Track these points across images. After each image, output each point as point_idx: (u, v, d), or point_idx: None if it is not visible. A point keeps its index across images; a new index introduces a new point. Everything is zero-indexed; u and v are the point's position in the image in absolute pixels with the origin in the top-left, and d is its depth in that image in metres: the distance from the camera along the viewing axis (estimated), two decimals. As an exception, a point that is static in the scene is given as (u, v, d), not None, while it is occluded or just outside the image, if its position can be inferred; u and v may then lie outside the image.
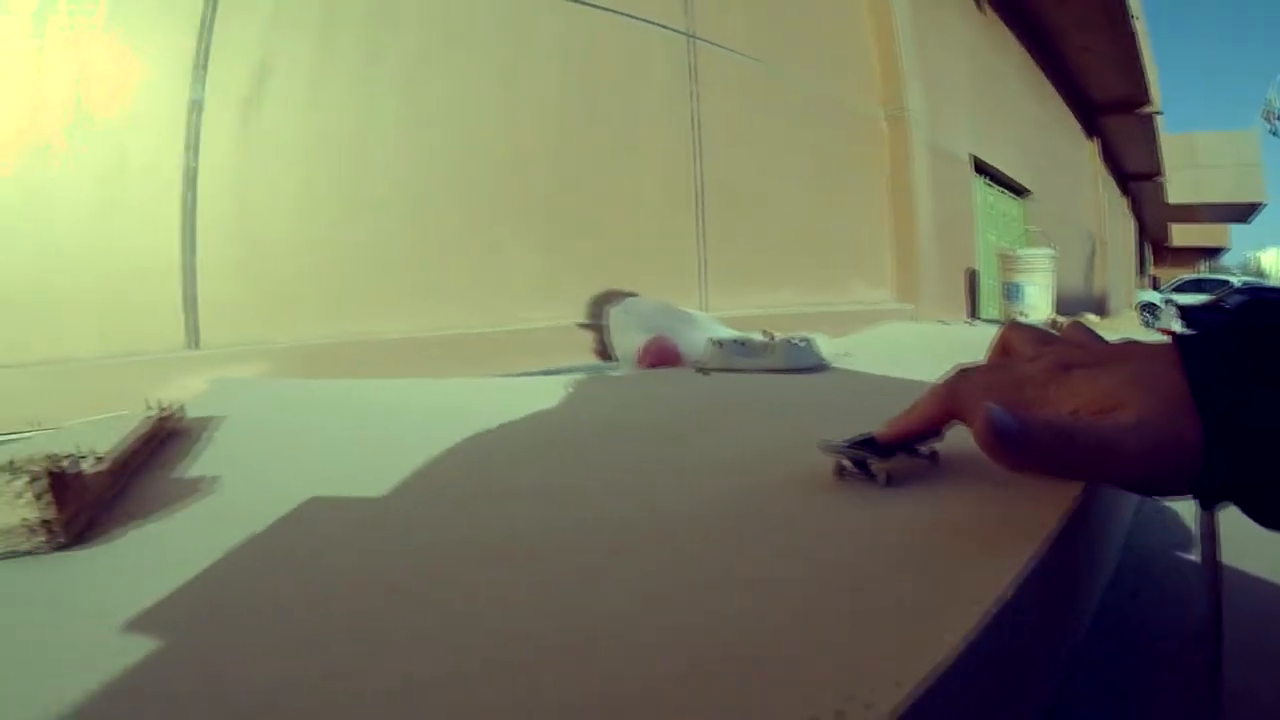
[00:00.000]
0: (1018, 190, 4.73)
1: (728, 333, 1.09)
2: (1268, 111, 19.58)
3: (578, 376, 1.06)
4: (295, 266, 1.10)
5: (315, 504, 0.35)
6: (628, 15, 1.58)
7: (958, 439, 0.31)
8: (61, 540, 0.30)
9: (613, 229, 1.50)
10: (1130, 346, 0.29)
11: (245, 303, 1.06)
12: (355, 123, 1.17)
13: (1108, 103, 7.82)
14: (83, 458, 0.35)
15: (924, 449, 0.33)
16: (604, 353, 1.17)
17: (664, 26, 1.67)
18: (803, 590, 0.21)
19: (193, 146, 1.02)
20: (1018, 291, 3.53)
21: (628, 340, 1.12)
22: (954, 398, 0.30)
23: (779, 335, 0.96)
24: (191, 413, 0.59)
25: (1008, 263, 3.46)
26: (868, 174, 2.51)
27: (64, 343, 0.92)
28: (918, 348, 1.24)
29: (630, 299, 1.20)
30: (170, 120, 1.01)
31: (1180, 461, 0.24)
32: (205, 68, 1.03)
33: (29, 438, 0.81)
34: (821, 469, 0.33)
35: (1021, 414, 0.25)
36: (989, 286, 3.77)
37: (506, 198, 1.32)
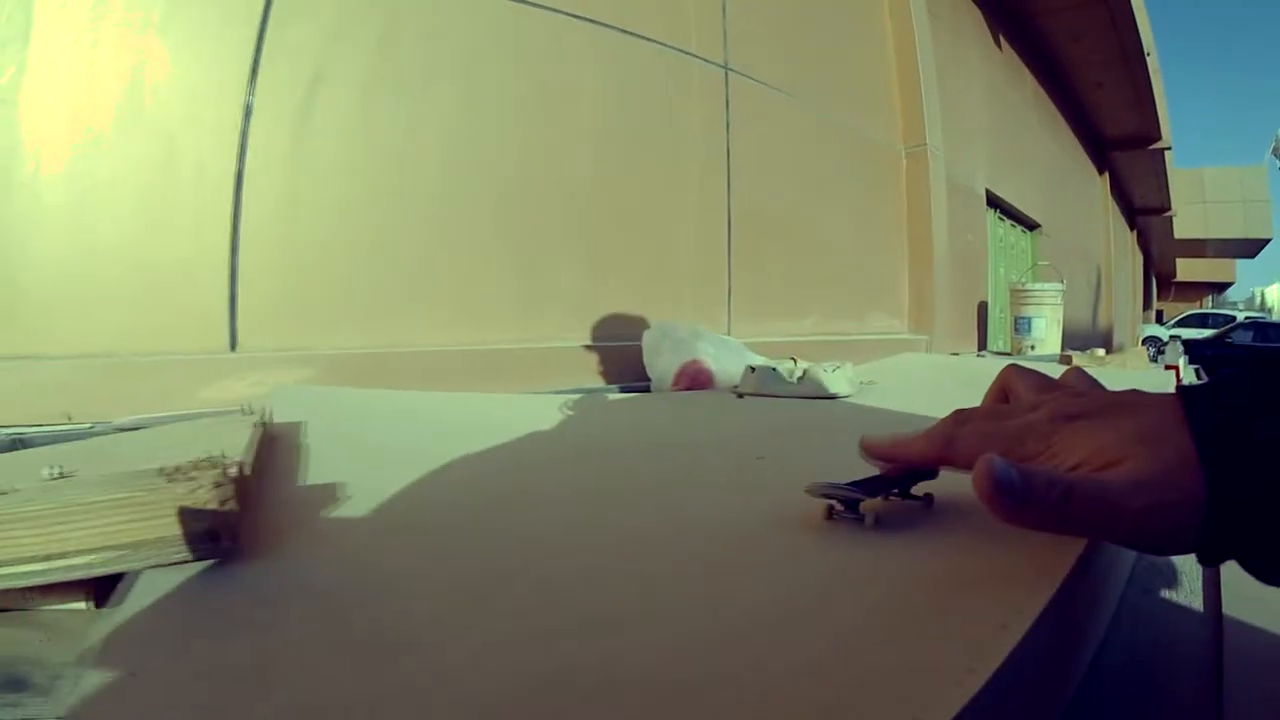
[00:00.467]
0: (1029, 224, 4.80)
1: (758, 359, 1.14)
2: (1277, 148, 19.73)
3: (618, 396, 1.12)
4: (335, 275, 1.15)
5: (451, 508, 0.40)
6: (670, 47, 1.65)
7: (953, 484, 0.31)
8: (229, 546, 0.29)
9: (650, 254, 1.56)
10: (1134, 396, 0.28)
11: (284, 308, 1.10)
12: (403, 139, 1.22)
13: (1119, 138, 7.92)
14: (227, 463, 0.33)
15: (919, 492, 0.33)
16: (640, 374, 1.23)
17: (703, 59, 1.74)
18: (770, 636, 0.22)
19: (242, 150, 1.06)
20: (1027, 325, 3.58)
21: (663, 362, 1.17)
22: (950, 445, 0.30)
23: (806, 363, 1.01)
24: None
25: (1018, 296, 3.51)
26: (887, 207, 2.58)
27: (102, 337, 0.95)
28: (936, 378, 1.30)
29: (665, 323, 1.26)
30: (222, 123, 1.04)
31: (1181, 521, 0.24)
32: (257, 73, 1.08)
33: (66, 430, 0.86)
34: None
35: (1022, 466, 0.25)
36: (998, 319, 3.83)
37: (549, 220, 1.38)
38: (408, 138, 1.22)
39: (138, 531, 0.26)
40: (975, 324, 3.51)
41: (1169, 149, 8.48)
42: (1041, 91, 5.52)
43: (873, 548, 0.29)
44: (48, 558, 0.24)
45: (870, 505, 0.31)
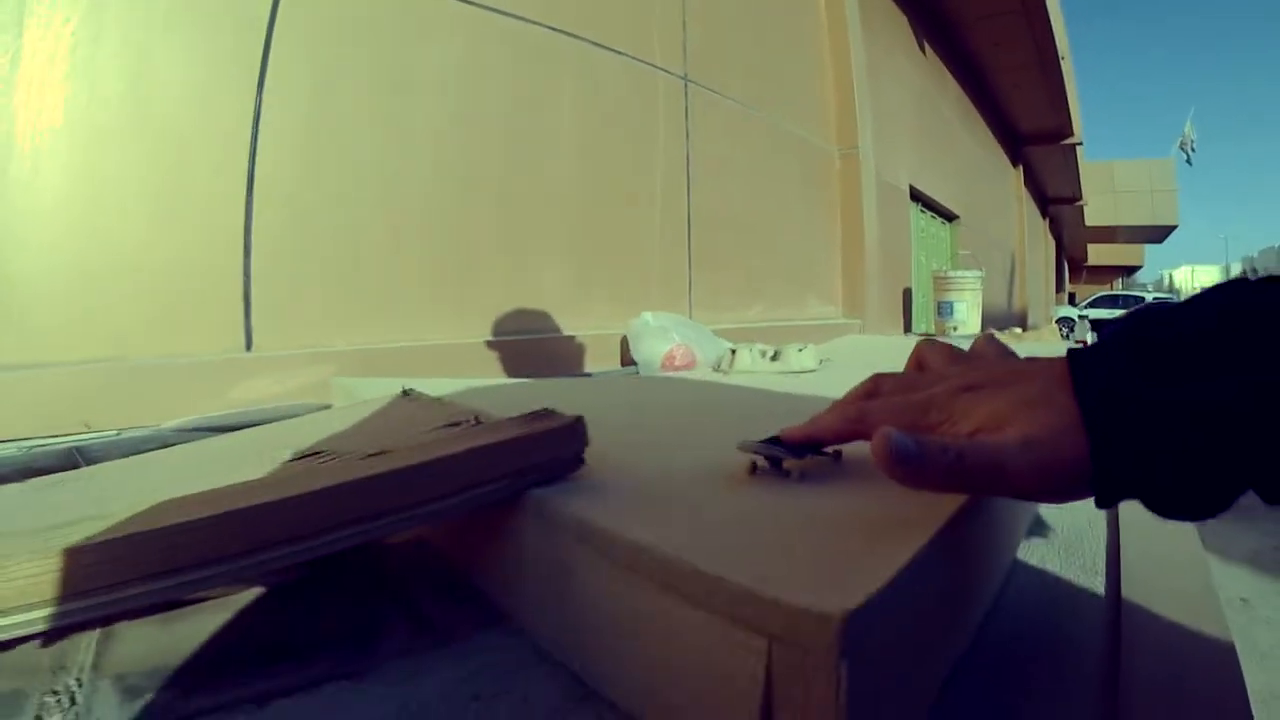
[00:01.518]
0: (948, 215, 5.23)
1: (724, 343, 1.40)
2: (1183, 142, 21.24)
3: (625, 376, 1.34)
4: (344, 274, 1.22)
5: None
6: (637, 59, 1.88)
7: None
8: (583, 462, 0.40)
9: (622, 253, 1.80)
10: (1029, 365, 0.30)
11: (297, 308, 1.16)
12: (399, 145, 1.33)
13: (1034, 134, 8.56)
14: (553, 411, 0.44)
15: (829, 449, 0.36)
16: (624, 359, 1.46)
17: (666, 71, 1.98)
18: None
19: (252, 153, 1.11)
20: (949, 309, 3.98)
21: (650, 348, 1.42)
22: (861, 419, 0.32)
23: (776, 345, 1.28)
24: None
25: (940, 283, 3.90)
26: (822, 203, 2.88)
27: (114, 342, 0.96)
28: (877, 354, 1.57)
29: (647, 314, 1.50)
30: (232, 124, 1.08)
31: (1067, 474, 0.26)
32: (265, 76, 1.12)
33: (120, 439, 0.87)
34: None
35: (919, 436, 0.27)
36: (921, 304, 4.22)
37: (535, 223, 1.59)
38: (404, 144, 1.34)
39: (534, 457, 0.38)
40: (901, 308, 3.88)
41: (1080, 144, 9.19)
42: (963, 94, 5.96)
43: (794, 494, 0.36)
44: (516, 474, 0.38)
45: (794, 464, 0.36)
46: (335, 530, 0.32)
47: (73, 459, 0.77)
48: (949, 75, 5.46)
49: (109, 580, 0.32)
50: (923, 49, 4.76)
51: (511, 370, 1.44)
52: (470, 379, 0.94)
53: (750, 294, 2.30)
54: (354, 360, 1.19)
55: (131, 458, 0.62)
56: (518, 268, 1.55)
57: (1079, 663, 0.36)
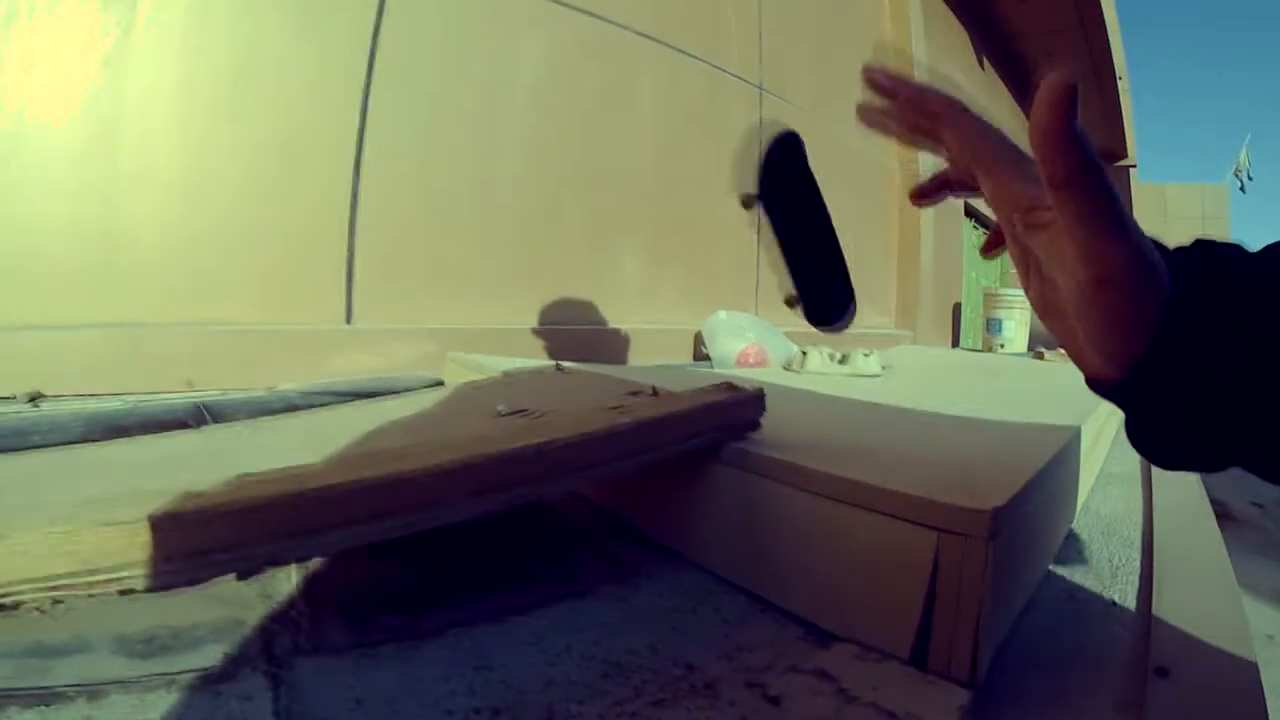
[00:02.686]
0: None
1: (794, 345, 1.45)
2: (1237, 169, 20.71)
3: (701, 370, 1.40)
4: (437, 257, 1.29)
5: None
6: (715, 66, 1.94)
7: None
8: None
9: (695, 251, 1.86)
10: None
11: (396, 286, 1.22)
12: (493, 140, 1.40)
13: (1087, 154, 8.39)
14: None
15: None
16: (697, 354, 1.52)
17: (741, 79, 2.04)
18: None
19: (360, 135, 1.17)
20: (998, 326, 3.97)
21: (725, 345, 1.48)
22: (958, 114, 0.33)
23: (844, 350, 1.33)
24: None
25: (990, 300, 3.89)
26: (880, 215, 2.91)
27: (223, 307, 1.02)
28: (936, 364, 1.62)
29: (724, 311, 1.56)
30: (341, 107, 1.15)
31: (1123, 316, 0.26)
32: (373, 60, 1.18)
33: (251, 398, 0.91)
34: None
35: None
36: (969, 319, 4.21)
37: (617, 217, 1.66)
38: (497, 136, 1.42)
39: (730, 417, 0.51)
40: (950, 323, 3.88)
41: (1134, 166, 9.01)
42: (1018, 109, 5.92)
43: (930, 433, 0.56)
44: (718, 429, 0.49)
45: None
46: (584, 470, 0.39)
47: (196, 415, 0.82)
48: (1004, 89, 5.43)
49: (372, 511, 0.38)
50: (981, 64, 4.75)
51: (589, 357, 1.50)
52: (569, 363, 1.01)
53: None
54: (445, 339, 1.26)
55: (312, 412, 0.70)
56: (598, 259, 1.62)
57: (1107, 671, 0.40)
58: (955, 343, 3.91)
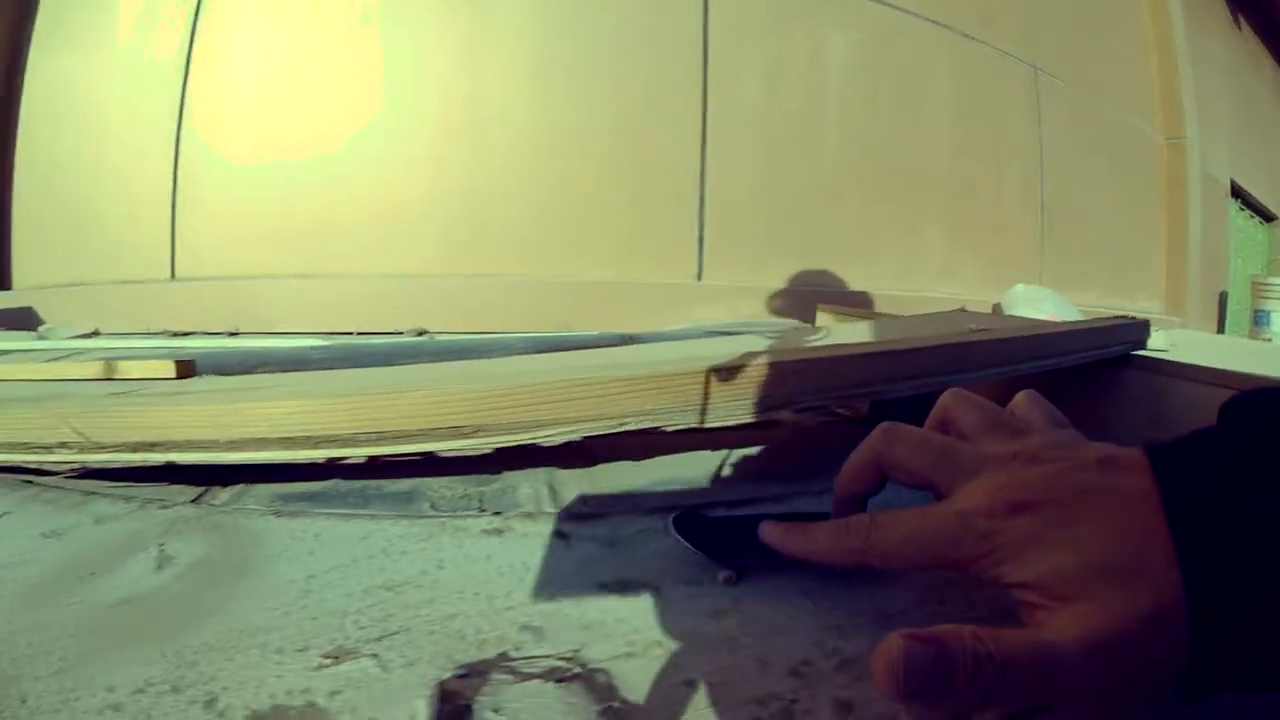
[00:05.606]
0: (1267, 216, 4.58)
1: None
2: None
3: None
4: (773, 223, 1.43)
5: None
6: (995, 48, 1.94)
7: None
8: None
9: (985, 229, 1.88)
10: (1100, 474, 0.22)
11: (737, 248, 1.36)
12: (814, 121, 1.52)
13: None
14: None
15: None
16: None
17: (1018, 59, 2.03)
18: None
19: (704, 106, 1.32)
20: (1266, 318, 3.51)
21: (1024, 315, 1.48)
22: (868, 545, 0.24)
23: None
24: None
25: (1259, 289, 3.45)
26: (1146, 193, 2.71)
27: (586, 266, 1.18)
28: (1211, 350, 1.52)
29: (1022, 285, 1.57)
30: (686, 88, 1.33)
31: (1148, 684, 0.19)
32: (708, 47, 1.34)
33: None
34: None
35: (943, 639, 0.19)
36: (1234, 311, 3.76)
37: (918, 197, 1.73)
38: (818, 118, 1.54)
39: (1132, 335, 0.64)
40: (1216, 313, 3.50)
41: None
42: (1279, 71, 5.19)
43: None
44: (1124, 343, 0.62)
45: (727, 575, 0.31)
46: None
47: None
48: (1265, 53, 4.79)
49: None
50: (1237, 23, 4.23)
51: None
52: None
53: (1086, 280, 2.26)
54: (781, 297, 1.39)
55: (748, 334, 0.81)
56: (903, 235, 1.70)
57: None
58: (1220, 333, 3.51)
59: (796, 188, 1.49)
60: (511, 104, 1.23)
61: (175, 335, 1.20)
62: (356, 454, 0.48)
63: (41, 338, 1.21)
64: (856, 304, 1.51)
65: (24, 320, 1.31)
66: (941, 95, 1.79)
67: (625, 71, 1.28)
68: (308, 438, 0.47)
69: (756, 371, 0.47)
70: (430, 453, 0.46)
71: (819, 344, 0.60)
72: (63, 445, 0.50)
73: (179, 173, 1.28)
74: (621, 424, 0.45)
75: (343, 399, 0.48)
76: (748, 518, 0.32)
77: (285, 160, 1.21)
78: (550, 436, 0.45)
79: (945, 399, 0.28)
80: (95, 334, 1.22)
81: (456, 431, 0.46)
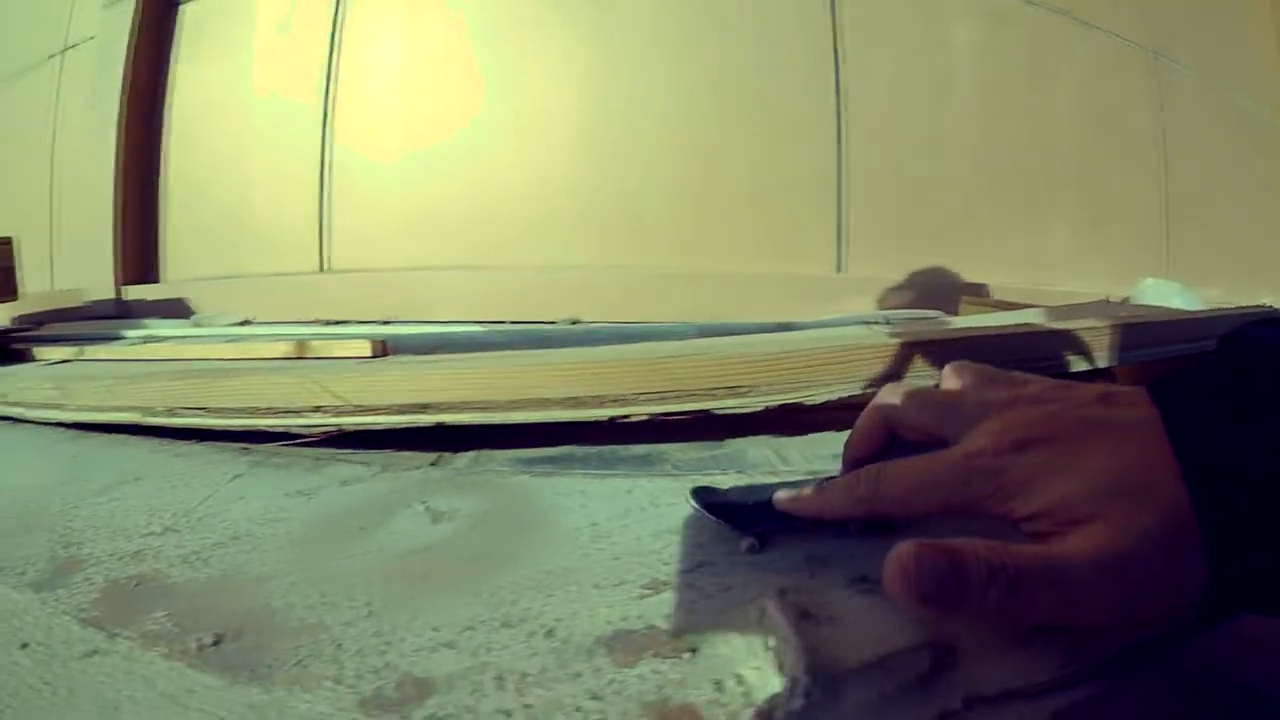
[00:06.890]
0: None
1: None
2: None
3: None
4: (910, 221, 1.42)
5: None
6: (1115, 34, 1.87)
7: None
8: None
9: (1113, 220, 1.81)
10: (1105, 409, 0.22)
11: (874, 244, 1.36)
12: (940, 118, 1.50)
13: None
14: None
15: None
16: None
17: (1137, 44, 1.95)
18: None
19: (838, 91, 1.33)
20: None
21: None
22: (877, 493, 0.24)
23: None
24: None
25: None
26: (1273, 185, 2.57)
27: (731, 260, 1.20)
28: None
29: (1151, 279, 1.52)
30: (819, 70, 1.35)
31: (1167, 603, 0.19)
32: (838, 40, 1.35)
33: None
34: None
35: (954, 548, 0.20)
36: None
37: (1045, 186, 1.67)
38: (943, 117, 1.53)
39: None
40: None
41: None
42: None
43: None
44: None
45: (746, 543, 0.31)
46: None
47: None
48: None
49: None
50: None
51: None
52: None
53: (1211, 275, 2.15)
54: (922, 291, 1.37)
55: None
56: (1035, 228, 1.65)
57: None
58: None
59: (928, 181, 1.48)
60: (656, 104, 1.27)
61: (328, 324, 1.25)
62: (638, 413, 0.49)
63: (198, 324, 1.28)
64: (989, 296, 1.47)
65: (178, 310, 1.39)
66: (1064, 85, 1.74)
67: (763, 75, 1.32)
68: (595, 397, 0.48)
69: (968, 344, 0.52)
70: (706, 411, 0.48)
71: (1006, 322, 0.67)
72: (317, 409, 0.52)
73: (326, 171, 1.34)
74: (869, 387, 0.48)
75: (631, 361, 0.49)
76: (763, 486, 0.34)
77: (436, 158, 1.26)
78: (812, 395, 0.48)
79: (946, 369, 0.29)
80: (248, 322, 1.28)
81: (733, 391, 0.48)
